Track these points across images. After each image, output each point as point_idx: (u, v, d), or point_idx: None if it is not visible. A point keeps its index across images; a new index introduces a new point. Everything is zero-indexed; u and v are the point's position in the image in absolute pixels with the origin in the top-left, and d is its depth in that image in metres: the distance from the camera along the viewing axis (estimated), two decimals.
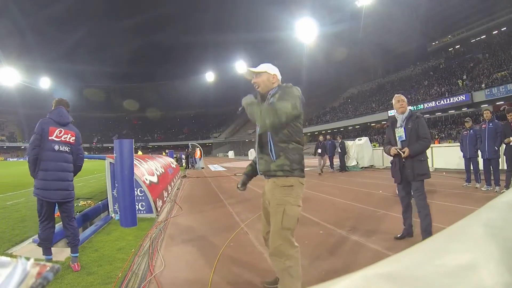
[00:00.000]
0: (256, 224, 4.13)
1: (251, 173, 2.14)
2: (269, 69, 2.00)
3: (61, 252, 3.17)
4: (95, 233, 3.80)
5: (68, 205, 2.77)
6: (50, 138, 2.64)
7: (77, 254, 2.78)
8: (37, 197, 2.66)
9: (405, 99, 3.20)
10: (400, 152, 3.02)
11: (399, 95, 3.24)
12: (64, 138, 2.72)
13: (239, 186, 2.12)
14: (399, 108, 3.17)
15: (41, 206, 2.66)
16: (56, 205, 2.76)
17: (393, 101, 3.23)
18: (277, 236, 1.76)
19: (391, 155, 3.17)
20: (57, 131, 2.68)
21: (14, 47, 52.03)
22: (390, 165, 3.33)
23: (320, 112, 50.20)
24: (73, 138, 2.80)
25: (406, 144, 3.04)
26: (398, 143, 3.13)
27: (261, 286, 2.29)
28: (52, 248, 2.88)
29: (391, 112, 32.95)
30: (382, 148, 3.55)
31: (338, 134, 13.69)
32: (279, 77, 2.04)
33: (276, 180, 1.82)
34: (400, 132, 3.13)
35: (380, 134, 35.55)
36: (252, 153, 31.52)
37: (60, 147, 2.68)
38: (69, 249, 3.19)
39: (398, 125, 3.18)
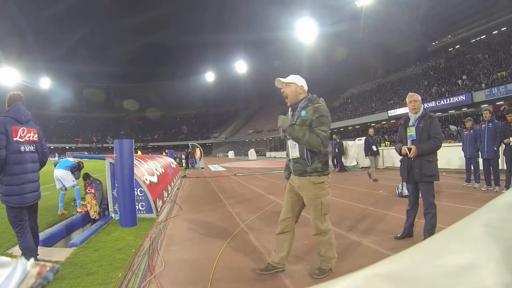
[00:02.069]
0: (256, 224, 4.13)
1: (290, 175, 2.53)
2: (298, 80, 2.35)
3: (61, 252, 3.18)
4: (95, 233, 3.80)
5: (36, 206, 2.68)
6: (15, 139, 2.43)
7: (37, 254, 2.72)
8: (8, 205, 2.44)
9: (418, 99, 3.13)
10: (407, 151, 3.00)
11: (412, 94, 3.16)
12: (28, 137, 2.54)
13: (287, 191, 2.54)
14: (412, 109, 3.13)
15: (16, 214, 2.45)
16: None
17: (407, 100, 3.17)
18: (319, 220, 2.31)
19: (401, 154, 3.14)
20: (20, 130, 2.48)
21: (14, 47, 52.04)
22: (400, 163, 3.30)
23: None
24: (36, 135, 2.63)
25: (416, 143, 3.00)
26: (409, 142, 3.10)
27: (261, 285, 2.30)
28: (51, 248, 2.88)
29: (391, 112, 33.03)
30: (394, 147, 3.51)
31: (337, 134, 13.64)
32: (306, 88, 2.38)
33: (311, 178, 2.27)
34: (411, 131, 3.10)
35: (380, 134, 35.56)
36: (252, 153, 31.31)
37: (26, 147, 2.50)
38: (69, 249, 3.20)
39: (410, 124, 3.14)
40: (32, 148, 2.58)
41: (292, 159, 2.36)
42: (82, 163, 5.54)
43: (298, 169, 2.31)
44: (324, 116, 2.23)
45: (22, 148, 2.49)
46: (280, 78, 2.34)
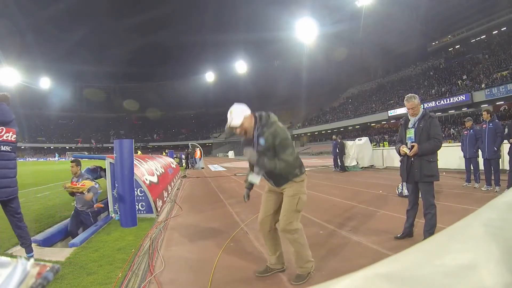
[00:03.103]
0: (256, 224, 4.13)
1: (251, 186, 2.57)
2: (244, 112, 2.25)
3: (61, 252, 3.18)
4: (95, 233, 3.80)
5: (13, 202, 2.74)
6: None
7: (32, 254, 2.74)
8: None
9: (416, 102, 3.08)
10: (406, 151, 2.99)
11: (409, 99, 3.10)
12: (6, 137, 2.66)
13: (246, 200, 2.59)
14: (411, 114, 3.13)
15: None
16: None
17: (405, 102, 3.16)
18: (290, 215, 2.28)
19: (400, 155, 3.15)
20: None
21: (14, 47, 52.07)
22: (399, 163, 3.30)
23: (320, 112, 50.21)
24: (14, 136, 2.72)
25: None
26: (408, 143, 3.10)
27: (261, 285, 2.30)
28: (51, 248, 2.88)
29: (391, 112, 33.04)
30: (394, 147, 3.50)
31: (338, 135, 13.63)
32: (249, 111, 2.30)
33: (294, 179, 2.31)
34: (410, 133, 3.10)
35: (380, 134, 35.56)
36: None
37: (2, 147, 2.62)
38: (69, 249, 3.20)
39: (410, 125, 3.14)
40: (8, 148, 2.68)
41: (267, 176, 2.37)
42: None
43: (280, 183, 2.34)
44: (284, 139, 2.20)
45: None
46: (231, 125, 2.23)
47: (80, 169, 4.27)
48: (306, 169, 2.41)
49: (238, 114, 2.23)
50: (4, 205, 2.71)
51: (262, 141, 2.20)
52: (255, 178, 2.34)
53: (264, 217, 2.44)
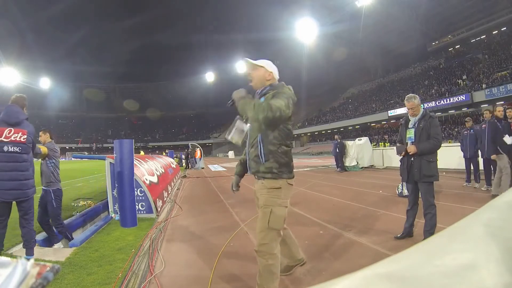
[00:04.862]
0: (256, 224, 4.13)
1: (242, 172, 2.21)
2: (268, 65, 2.00)
3: (61, 252, 3.18)
4: (95, 233, 3.80)
5: (23, 204, 2.74)
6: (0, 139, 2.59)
7: (32, 257, 2.72)
8: None
9: (416, 102, 3.08)
10: (403, 151, 3.00)
11: (409, 99, 3.11)
12: (14, 137, 2.64)
13: (234, 188, 2.23)
14: (411, 114, 3.14)
15: None
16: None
17: (405, 102, 3.17)
18: (263, 235, 1.83)
19: (399, 155, 3.15)
20: (6, 131, 2.62)
21: (14, 47, 52.06)
22: (399, 163, 3.30)
23: (320, 112, 50.21)
24: (24, 137, 2.70)
25: (416, 144, 3.01)
26: (409, 143, 3.11)
27: None
28: (51, 248, 2.88)
29: (391, 112, 33.04)
30: (395, 147, 3.49)
31: (338, 134, 13.64)
32: (276, 76, 2.03)
33: (264, 182, 1.87)
34: (410, 133, 3.11)
35: (380, 134, 35.56)
36: None
37: (9, 147, 2.61)
38: (69, 249, 3.20)
39: (410, 125, 3.15)
40: (17, 149, 2.66)
41: (248, 154, 2.01)
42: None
43: (252, 167, 1.94)
44: (281, 93, 1.81)
45: (5, 148, 2.60)
46: (249, 59, 2.01)
47: (49, 137, 3.79)
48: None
49: (266, 62, 2.02)
50: (17, 204, 2.73)
51: (262, 99, 1.89)
52: (234, 135, 1.99)
53: None
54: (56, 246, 3.51)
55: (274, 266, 1.83)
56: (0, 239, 2.74)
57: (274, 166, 1.83)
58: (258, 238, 1.87)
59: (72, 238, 3.53)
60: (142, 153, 22.58)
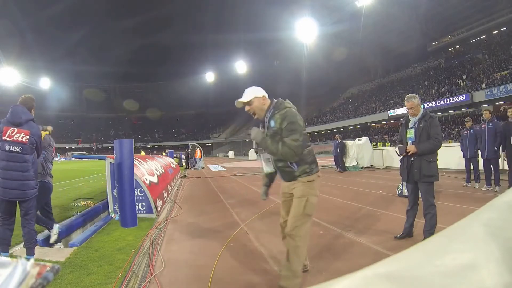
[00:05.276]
0: (256, 224, 4.13)
1: (269, 183, 2.46)
2: (256, 92, 2.17)
3: (61, 252, 3.18)
4: (95, 233, 3.80)
5: (24, 204, 2.74)
6: (3, 138, 2.63)
7: (32, 257, 2.72)
8: None
9: (416, 102, 3.08)
10: (404, 152, 3.00)
11: (409, 99, 3.11)
12: (16, 137, 2.65)
13: (264, 198, 2.46)
14: (411, 114, 3.14)
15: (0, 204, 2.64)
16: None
17: (405, 102, 3.17)
18: (297, 219, 2.08)
19: (399, 155, 3.15)
20: (9, 130, 2.64)
21: (14, 47, 52.06)
22: (399, 163, 3.30)
23: (320, 112, 50.20)
24: (26, 137, 2.70)
25: (416, 144, 3.01)
26: (409, 143, 3.10)
27: (261, 285, 2.30)
28: (51, 248, 2.88)
29: (391, 112, 33.02)
30: (395, 147, 3.50)
31: (339, 134, 13.64)
32: (266, 95, 2.21)
33: (300, 179, 2.14)
34: (410, 133, 3.10)
35: (380, 134, 35.56)
36: (252, 153, 31.28)
37: (11, 147, 2.63)
38: (69, 249, 3.20)
39: (410, 126, 3.15)
40: (18, 148, 2.67)
41: (268, 173, 2.33)
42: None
43: (288, 178, 2.19)
44: (292, 123, 2.02)
45: (7, 147, 2.62)
46: (239, 100, 2.17)
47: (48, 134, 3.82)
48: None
49: (249, 92, 2.18)
50: (19, 204, 2.74)
51: (272, 123, 2.11)
52: (266, 167, 2.27)
53: (283, 222, 2.29)
54: (56, 246, 3.50)
55: (301, 249, 2.06)
56: (9, 237, 2.76)
57: (306, 167, 2.12)
58: (291, 223, 2.10)
59: (51, 228, 3.49)
60: (142, 153, 22.58)
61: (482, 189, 5.97)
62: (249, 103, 2.16)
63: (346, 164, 12.02)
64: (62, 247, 3.57)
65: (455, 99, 26.80)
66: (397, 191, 5.67)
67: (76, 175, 14.42)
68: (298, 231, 2.06)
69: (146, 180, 5.13)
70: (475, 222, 0.49)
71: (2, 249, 2.73)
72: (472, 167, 6.44)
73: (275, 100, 2.19)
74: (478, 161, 6.37)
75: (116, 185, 4.36)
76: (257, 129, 2.13)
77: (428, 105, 28.37)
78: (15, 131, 2.66)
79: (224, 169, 17.08)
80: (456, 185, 6.69)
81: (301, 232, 2.06)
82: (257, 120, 2.27)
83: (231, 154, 42.99)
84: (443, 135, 27.32)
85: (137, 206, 4.58)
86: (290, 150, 1.97)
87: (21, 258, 0.39)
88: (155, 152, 47.93)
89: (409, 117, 3.19)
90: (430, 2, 34.36)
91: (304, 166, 2.11)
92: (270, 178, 2.43)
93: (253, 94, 2.16)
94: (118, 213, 4.35)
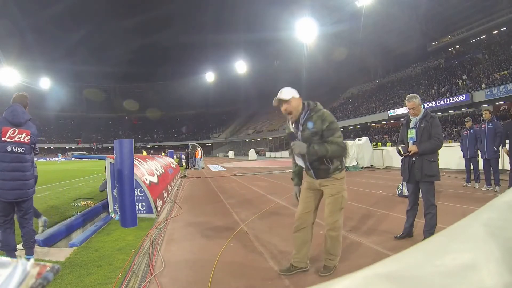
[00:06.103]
0: (256, 224, 4.13)
1: (300, 182, 2.63)
2: (294, 93, 2.29)
3: (61, 252, 3.18)
4: (95, 233, 3.80)
5: (23, 204, 2.73)
6: (3, 139, 2.58)
7: (32, 257, 2.71)
8: None
9: (416, 104, 3.08)
10: (406, 152, 3.00)
11: (410, 99, 3.10)
12: (18, 138, 2.63)
13: (297, 198, 2.59)
14: (412, 114, 3.14)
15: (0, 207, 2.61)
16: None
17: (406, 102, 3.17)
18: (336, 214, 2.34)
19: (401, 155, 3.15)
20: (10, 131, 2.60)
21: (14, 47, 52.06)
22: (400, 163, 3.30)
23: None
24: (28, 137, 2.69)
25: (417, 144, 3.01)
26: (410, 144, 3.10)
27: (261, 286, 2.30)
28: (51, 248, 2.88)
29: (391, 112, 33.00)
30: (395, 147, 3.51)
31: None
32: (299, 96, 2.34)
33: (334, 175, 2.33)
34: (411, 133, 3.10)
35: (380, 134, 35.55)
36: (252, 153, 31.14)
37: (13, 148, 2.60)
38: (69, 249, 3.20)
39: (411, 126, 3.14)
40: (20, 149, 2.65)
41: (311, 166, 2.38)
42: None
43: (321, 175, 2.34)
44: (332, 122, 2.23)
45: (9, 148, 2.59)
46: (279, 97, 2.26)
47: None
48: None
49: (288, 92, 2.27)
50: (16, 204, 2.72)
51: (310, 124, 2.24)
52: (301, 162, 2.39)
53: (303, 214, 2.44)
54: (56, 246, 3.50)
55: (340, 236, 2.40)
56: (13, 242, 2.72)
57: (338, 164, 2.33)
58: (331, 218, 2.34)
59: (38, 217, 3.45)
60: (144, 153, 22.55)
61: (482, 189, 5.97)
62: (288, 102, 2.26)
63: (346, 164, 12.00)
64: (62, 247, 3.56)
65: (455, 99, 26.78)
66: (397, 191, 5.67)
67: (76, 175, 14.42)
68: (338, 224, 2.35)
69: (146, 180, 5.13)
70: (475, 222, 0.49)
71: (9, 256, 2.72)
72: (472, 167, 6.44)
73: (306, 102, 2.33)
74: (478, 161, 6.37)
75: (116, 185, 4.36)
76: (299, 142, 2.26)
77: (428, 105, 28.34)
78: (16, 131, 2.63)
79: (224, 169, 17.08)
80: (456, 185, 6.69)
81: (339, 224, 2.37)
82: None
83: (231, 154, 43.00)
84: (443, 135, 27.31)
85: (137, 206, 4.58)
86: (339, 146, 2.20)
87: (21, 258, 0.39)
88: (152, 152, 47.86)
89: (410, 117, 3.19)
90: (430, 2, 34.32)
91: (336, 162, 2.31)
92: (299, 177, 2.61)
93: (292, 94, 2.27)
94: (118, 213, 4.35)
